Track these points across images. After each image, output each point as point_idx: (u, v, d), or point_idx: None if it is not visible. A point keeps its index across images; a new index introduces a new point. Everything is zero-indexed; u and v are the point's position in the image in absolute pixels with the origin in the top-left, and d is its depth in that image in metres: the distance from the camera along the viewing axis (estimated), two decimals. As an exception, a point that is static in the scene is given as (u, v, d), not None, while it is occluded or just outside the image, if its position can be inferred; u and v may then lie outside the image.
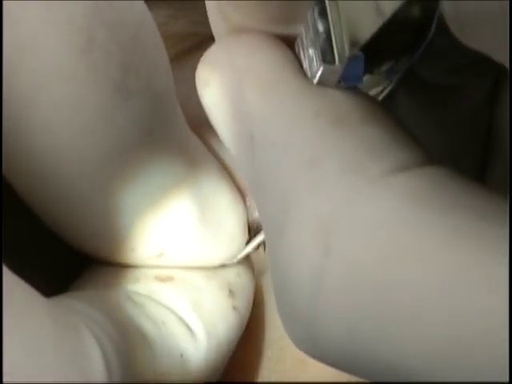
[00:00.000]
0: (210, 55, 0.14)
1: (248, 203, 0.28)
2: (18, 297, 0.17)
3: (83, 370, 0.18)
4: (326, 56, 0.12)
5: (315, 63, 0.13)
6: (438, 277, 0.09)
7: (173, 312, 0.25)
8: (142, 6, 0.23)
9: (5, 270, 0.17)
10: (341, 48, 0.12)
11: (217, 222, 0.26)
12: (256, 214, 0.28)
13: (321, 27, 0.12)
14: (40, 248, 0.26)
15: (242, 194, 0.28)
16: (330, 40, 0.12)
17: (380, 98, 0.14)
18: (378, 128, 0.12)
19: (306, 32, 0.13)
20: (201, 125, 0.27)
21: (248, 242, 0.28)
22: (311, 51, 0.13)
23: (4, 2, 0.19)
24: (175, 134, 0.25)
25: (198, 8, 0.34)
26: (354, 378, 0.14)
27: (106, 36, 0.21)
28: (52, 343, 0.17)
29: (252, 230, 0.28)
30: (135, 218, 0.24)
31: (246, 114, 0.13)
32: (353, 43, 0.12)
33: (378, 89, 0.14)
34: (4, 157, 0.22)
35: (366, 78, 0.13)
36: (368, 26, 0.11)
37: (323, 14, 0.12)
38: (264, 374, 0.30)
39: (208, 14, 0.14)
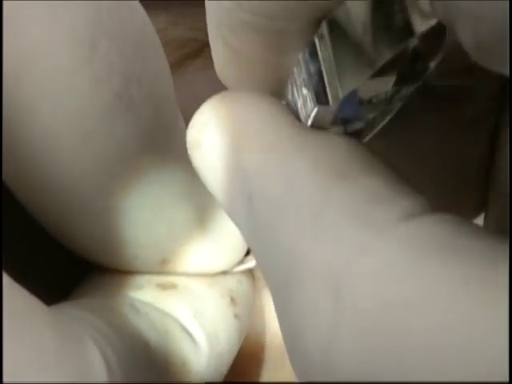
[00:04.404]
0: (200, 116, 0.14)
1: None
2: (20, 306, 0.17)
3: (85, 380, 0.18)
4: (320, 97, 0.12)
5: (309, 103, 0.13)
6: (451, 326, 0.09)
7: (175, 320, 0.25)
8: (143, 15, 0.23)
9: (6, 278, 0.17)
10: (334, 88, 0.12)
11: (218, 228, 0.27)
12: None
13: (312, 68, 0.12)
14: (42, 254, 0.26)
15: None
16: (323, 81, 0.12)
17: (379, 127, 0.14)
18: (379, 178, 0.12)
19: (299, 72, 0.13)
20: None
21: (249, 250, 0.28)
22: (305, 91, 0.13)
23: (6, 12, 0.19)
24: (176, 142, 0.25)
25: (196, 14, 0.34)
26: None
27: (108, 46, 0.21)
28: (53, 353, 0.17)
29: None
30: (137, 226, 0.24)
31: (242, 173, 0.13)
32: (346, 84, 0.12)
33: (376, 113, 0.14)
34: (5, 165, 0.22)
35: (364, 106, 0.13)
36: (364, 66, 0.11)
37: (314, 55, 0.12)
38: (263, 381, 0.30)
39: (209, 35, 0.14)
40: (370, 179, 0.12)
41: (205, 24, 0.15)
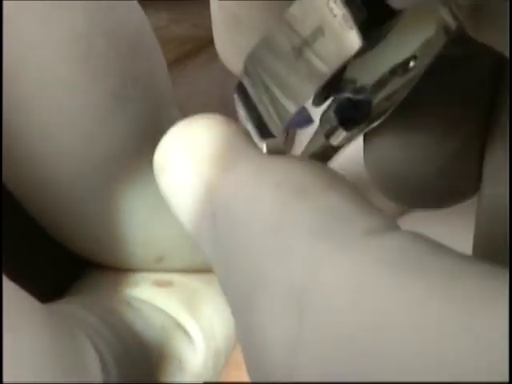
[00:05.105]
0: (164, 142, 0.14)
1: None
2: (16, 307, 0.17)
3: (81, 378, 0.19)
4: (264, 132, 0.13)
5: (256, 138, 0.13)
6: (419, 340, 0.09)
7: (171, 317, 0.25)
8: (141, 14, 0.23)
9: (4, 278, 0.17)
10: (273, 122, 0.12)
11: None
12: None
13: (248, 106, 0.13)
14: (38, 252, 0.27)
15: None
16: (261, 117, 0.13)
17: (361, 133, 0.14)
18: (341, 196, 0.12)
19: (240, 111, 0.13)
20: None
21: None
22: (249, 127, 0.13)
23: (5, 12, 0.19)
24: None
25: (198, 12, 0.34)
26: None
27: (104, 44, 0.21)
28: (49, 353, 0.18)
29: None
30: (135, 225, 0.24)
31: (205, 194, 0.13)
32: (283, 115, 0.12)
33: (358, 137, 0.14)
34: (4, 163, 0.22)
35: (344, 135, 0.13)
36: (304, 93, 0.12)
37: (246, 94, 0.13)
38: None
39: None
40: (332, 197, 0.12)
41: (206, 21, 0.15)
